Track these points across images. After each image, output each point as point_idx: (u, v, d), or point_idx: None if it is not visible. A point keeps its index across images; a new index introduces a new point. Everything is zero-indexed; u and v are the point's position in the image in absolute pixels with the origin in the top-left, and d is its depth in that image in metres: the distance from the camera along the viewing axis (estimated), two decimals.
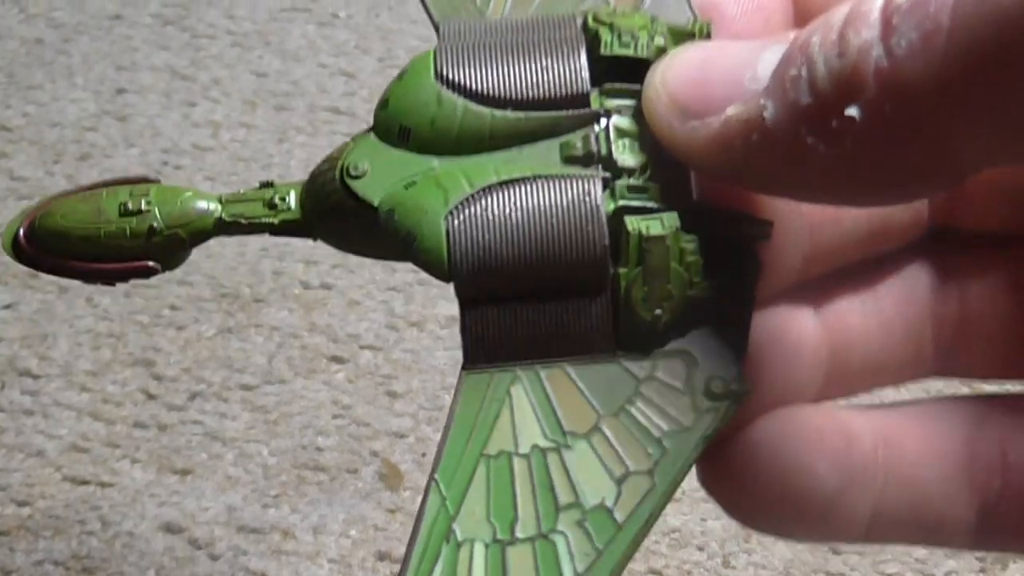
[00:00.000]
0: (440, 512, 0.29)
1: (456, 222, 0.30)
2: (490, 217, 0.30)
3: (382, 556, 0.63)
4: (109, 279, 0.34)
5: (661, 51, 0.31)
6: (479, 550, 0.28)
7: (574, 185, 0.30)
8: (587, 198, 0.30)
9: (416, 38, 0.94)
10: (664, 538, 0.62)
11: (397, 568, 0.61)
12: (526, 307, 0.30)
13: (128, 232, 0.33)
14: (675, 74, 0.30)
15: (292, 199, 0.33)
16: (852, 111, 0.26)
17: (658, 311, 0.30)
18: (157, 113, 0.87)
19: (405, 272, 0.75)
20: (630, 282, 0.29)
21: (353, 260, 0.75)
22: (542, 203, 0.30)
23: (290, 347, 0.72)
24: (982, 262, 0.35)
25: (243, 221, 0.33)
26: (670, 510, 0.63)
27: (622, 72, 0.31)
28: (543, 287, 0.30)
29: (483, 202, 0.30)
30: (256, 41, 0.93)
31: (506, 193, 0.30)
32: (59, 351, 0.72)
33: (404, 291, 0.75)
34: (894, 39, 0.25)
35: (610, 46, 0.31)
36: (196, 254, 0.71)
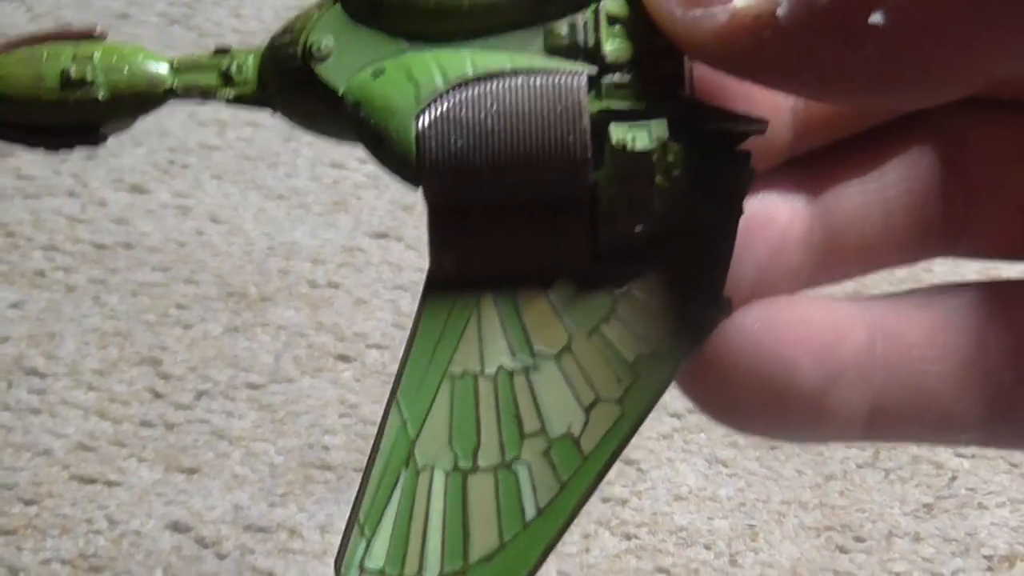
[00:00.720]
0: (400, 435, 0.27)
1: (427, 123, 0.27)
2: (463, 119, 0.27)
3: None
4: (51, 146, 0.32)
5: None
6: (439, 477, 0.27)
7: (556, 82, 0.28)
8: (569, 100, 0.27)
9: None
10: (671, 536, 0.62)
11: None
12: (499, 215, 0.28)
13: (71, 104, 0.31)
14: None
15: (249, 70, 0.30)
16: (876, 17, 0.24)
17: (639, 226, 0.28)
18: (164, 112, 0.86)
19: (412, 271, 0.75)
20: (611, 195, 0.28)
21: (360, 259, 0.75)
22: (520, 105, 0.27)
23: (297, 346, 0.72)
24: (994, 132, 0.33)
25: (195, 92, 0.31)
26: (677, 509, 0.63)
27: None
28: (518, 195, 0.28)
29: (456, 100, 0.27)
30: (263, 39, 0.93)
31: (481, 90, 0.28)
32: (66, 350, 0.72)
33: (411, 290, 0.75)
34: None
35: None
36: (202, 253, 0.71)
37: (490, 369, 0.28)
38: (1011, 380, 0.32)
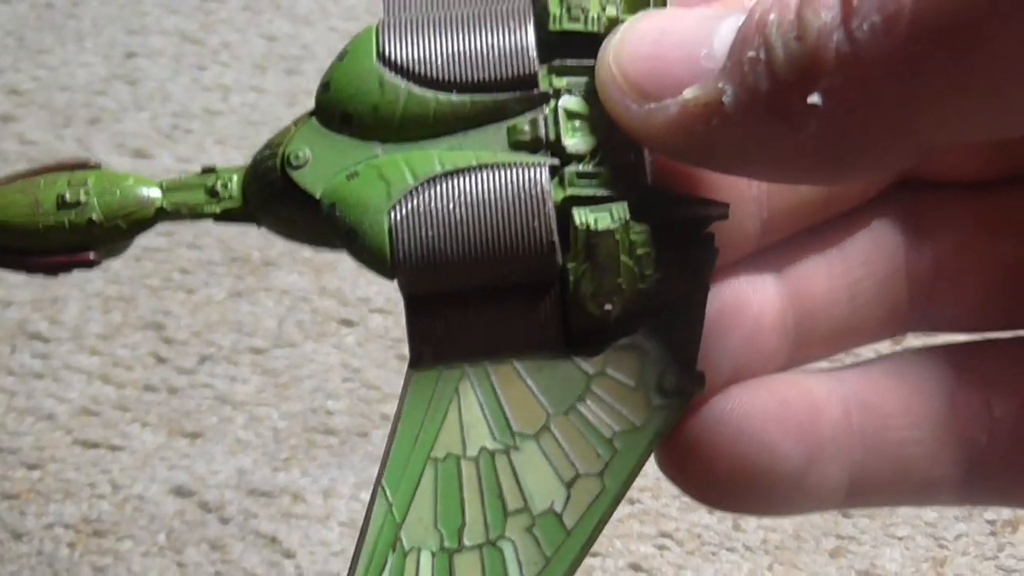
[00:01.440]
0: (386, 519, 0.28)
1: (399, 217, 0.29)
2: (434, 211, 0.29)
3: None
4: (50, 271, 0.33)
5: (613, 22, 0.30)
6: (425, 559, 0.28)
7: (521, 174, 0.29)
8: (534, 189, 0.29)
9: None
10: (674, 501, 0.62)
11: None
12: (473, 303, 0.29)
13: (67, 225, 0.32)
14: (628, 51, 0.29)
15: (234, 186, 0.32)
16: (814, 98, 0.25)
17: (608, 306, 0.29)
18: (167, 77, 0.86)
19: None
20: (579, 276, 0.29)
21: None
22: (487, 195, 0.29)
23: (300, 311, 0.72)
24: (951, 211, 0.34)
25: (184, 210, 0.33)
26: None
27: (573, 47, 0.30)
28: (490, 282, 0.29)
29: (426, 195, 0.29)
30: (266, 5, 0.92)
31: (450, 184, 0.29)
32: (69, 314, 0.72)
33: None
34: (855, 22, 0.25)
35: (559, 20, 0.30)
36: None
37: (472, 451, 0.29)
38: (986, 441, 0.33)
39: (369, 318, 0.71)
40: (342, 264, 0.74)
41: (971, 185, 0.34)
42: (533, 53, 0.30)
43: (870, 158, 0.27)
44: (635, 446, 0.29)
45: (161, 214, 0.33)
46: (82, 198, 0.32)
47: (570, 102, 0.30)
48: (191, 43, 0.89)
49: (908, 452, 0.33)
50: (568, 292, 0.29)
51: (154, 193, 0.33)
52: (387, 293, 0.72)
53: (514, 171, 0.29)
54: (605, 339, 0.29)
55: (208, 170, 0.33)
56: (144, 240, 0.75)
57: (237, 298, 0.73)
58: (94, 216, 0.32)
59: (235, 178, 0.32)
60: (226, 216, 0.32)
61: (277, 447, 0.66)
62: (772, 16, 0.26)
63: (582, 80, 0.30)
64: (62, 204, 0.32)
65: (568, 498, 0.28)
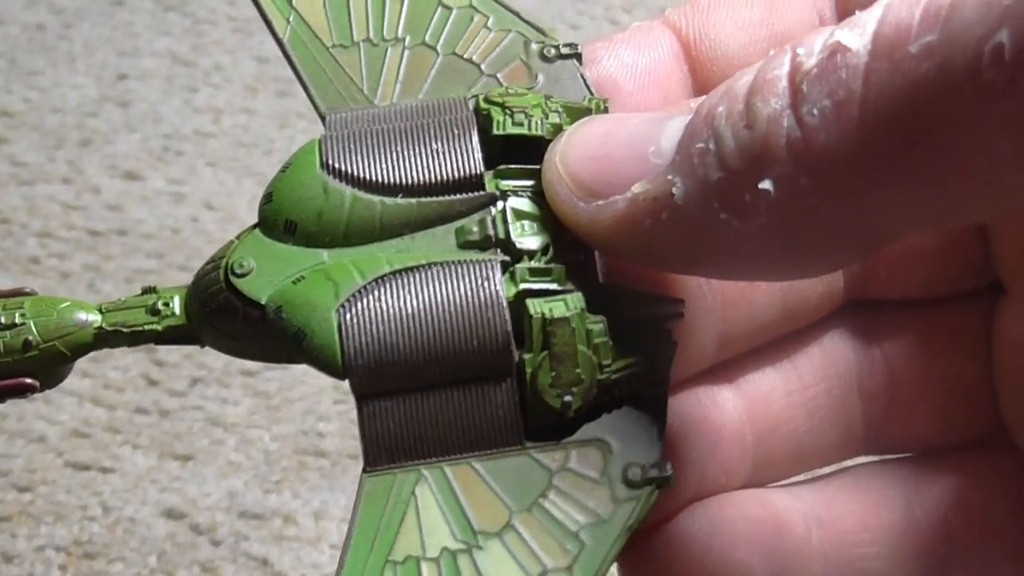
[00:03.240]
0: None
1: (348, 316, 0.28)
2: (384, 308, 0.28)
3: None
4: None
5: (557, 129, 0.30)
6: None
7: (472, 270, 0.29)
8: (486, 283, 0.29)
9: None
10: None
11: None
12: (427, 401, 0.29)
13: (2, 348, 0.31)
14: (575, 152, 0.29)
15: (176, 304, 0.32)
16: (766, 184, 0.25)
17: (567, 397, 0.28)
18: (159, 99, 0.87)
19: None
20: (536, 368, 0.28)
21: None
22: (438, 291, 0.29)
23: None
24: (902, 329, 0.34)
25: (125, 329, 0.31)
26: None
27: (518, 152, 0.30)
28: (444, 378, 0.28)
29: (375, 293, 0.29)
30: (257, 27, 0.93)
31: (400, 282, 0.29)
32: None
33: None
34: (805, 108, 0.24)
35: (503, 125, 0.30)
36: (197, 240, 0.71)
37: (432, 553, 0.27)
38: (943, 553, 0.33)
39: None
40: None
41: (919, 303, 0.34)
42: (478, 155, 0.30)
43: (823, 248, 0.26)
44: (604, 539, 0.27)
45: (101, 335, 0.32)
46: (17, 320, 0.31)
47: (518, 203, 0.29)
48: (182, 65, 0.89)
49: (868, 567, 0.33)
50: (525, 385, 0.28)
51: (92, 317, 0.32)
52: None
53: (465, 267, 0.29)
54: (566, 432, 0.29)
55: (149, 290, 0.32)
56: (135, 262, 0.75)
57: None
58: (30, 337, 0.31)
59: (177, 298, 0.32)
60: (169, 334, 0.31)
61: (268, 469, 0.66)
62: (720, 108, 0.26)
63: (528, 183, 0.30)
64: None
65: None
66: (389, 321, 0.28)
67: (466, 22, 0.33)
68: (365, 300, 0.28)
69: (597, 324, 0.28)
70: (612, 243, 0.28)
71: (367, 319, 0.28)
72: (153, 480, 0.65)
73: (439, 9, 0.33)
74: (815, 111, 0.24)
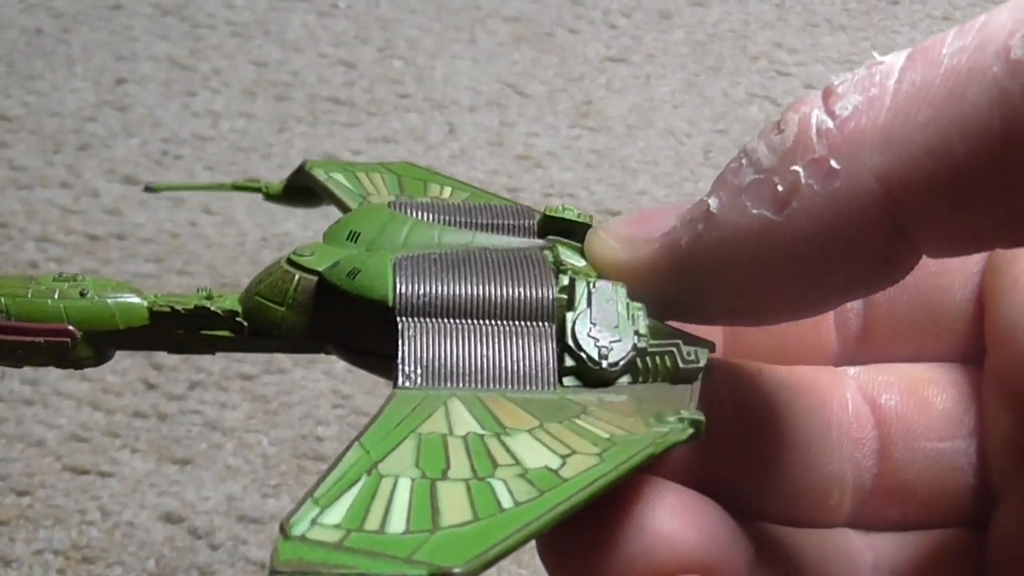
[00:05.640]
0: (361, 458, 0.26)
1: (404, 260, 0.30)
2: (437, 259, 0.30)
3: None
4: (24, 350, 0.31)
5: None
6: (404, 483, 0.25)
7: (523, 251, 0.31)
8: (537, 255, 0.31)
9: (415, 28, 0.94)
10: None
11: None
12: (469, 330, 0.29)
13: (58, 293, 0.31)
14: (615, 221, 0.31)
15: (229, 299, 0.32)
16: (796, 167, 0.26)
17: (604, 349, 0.29)
18: (157, 103, 0.87)
19: None
20: (576, 319, 0.29)
21: None
22: (491, 254, 0.31)
23: None
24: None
25: (179, 308, 0.32)
26: None
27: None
28: (488, 314, 0.30)
29: (431, 254, 0.30)
30: (256, 31, 0.93)
31: (454, 251, 0.31)
32: None
33: None
34: (839, 104, 0.26)
35: (555, 210, 0.32)
36: (195, 244, 0.71)
37: (459, 432, 0.27)
38: None
39: None
40: None
41: (918, 528, 0.34)
42: (533, 217, 0.33)
43: (849, 250, 0.26)
44: (634, 444, 0.27)
45: (154, 315, 0.32)
46: (78, 279, 0.32)
47: (568, 251, 0.31)
48: (181, 69, 0.89)
49: None
50: (565, 336, 0.29)
51: (144, 300, 0.32)
52: None
53: (517, 250, 0.31)
54: (599, 386, 0.29)
55: (201, 290, 0.33)
56: (134, 267, 0.75)
57: None
58: (86, 290, 0.31)
59: (230, 297, 0.32)
60: (225, 318, 0.32)
61: (267, 473, 0.66)
62: (753, 137, 0.27)
63: (574, 250, 0.32)
64: (57, 277, 0.32)
65: (563, 463, 0.26)
66: (442, 266, 0.30)
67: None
68: (422, 256, 0.30)
69: (637, 307, 0.30)
70: (652, 279, 0.29)
71: (423, 263, 0.30)
72: (151, 484, 0.65)
73: None
74: (848, 105, 0.26)
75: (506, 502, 0.25)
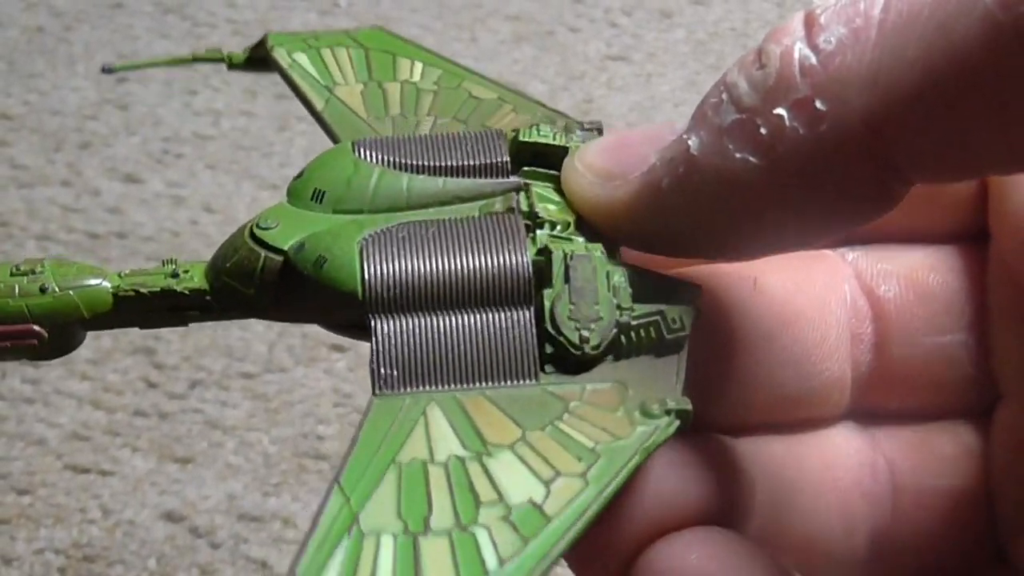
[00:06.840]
0: (342, 510, 0.26)
1: (371, 243, 0.29)
2: (407, 236, 0.29)
3: None
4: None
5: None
6: (387, 542, 0.25)
7: (494, 217, 0.30)
8: (507, 219, 0.30)
9: (417, 26, 0.94)
10: None
11: None
12: (444, 325, 0.28)
13: (18, 290, 0.30)
14: (591, 148, 0.29)
15: (196, 273, 0.31)
16: (780, 110, 0.25)
17: (585, 332, 0.28)
18: (158, 102, 0.87)
19: None
20: (554, 300, 0.28)
21: None
22: (462, 226, 0.29)
23: (291, 336, 0.72)
24: (904, 437, 0.34)
25: (144, 291, 0.31)
26: None
27: (542, 166, 0.31)
28: (463, 304, 0.29)
29: (398, 230, 0.29)
30: (257, 29, 0.93)
31: (422, 223, 0.30)
32: None
33: None
34: (822, 37, 0.25)
35: (528, 134, 0.31)
36: (196, 242, 0.71)
37: (440, 457, 0.27)
38: None
39: (360, 343, 0.71)
40: None
41: (921, 415, 0.34)
42: (505, 150, 0.31)
43: (836, 190, 0.26)
44: (620, 454, 0.26)
45: (118, 298, 0.31)
46: (37, 270, 0.31)
47: (542, 190, 0.30)
48: (181, 68, 0.89)
49: None
50: (544, 320, 0.28)
51: (109, 283, 0.31)
52: None
53: (488, 217, 0.30)
54: (582, 371, 0.28)
55: (168, 262, 0.32)
56: (135, 264, 0.75)
57: (227, 323, 0.72)
58: (47, 284, 0.31)
59: (196, 268, 0.31)
60: (192, 297, 0.31)
61: (268, 472, 0.66)
62: (733, 68, 0.26)
63: (552, 184, 0.31)
64: (15, 272, 0.31)
65: (548, 493, 0.26)
66: (411, 246, 0.29)
67: (494, 107, 0.35)
68: (389, 233, 0.29)
69: (617, 271, 0.29)
70: (631, 218, 0.28)
71: (390, 245, 0.29)
72: (152, 483, 0.65)
73: (468, 98, 0.35)
74: (831, 39, 0.24)
75: (491, 562, 0.25)
